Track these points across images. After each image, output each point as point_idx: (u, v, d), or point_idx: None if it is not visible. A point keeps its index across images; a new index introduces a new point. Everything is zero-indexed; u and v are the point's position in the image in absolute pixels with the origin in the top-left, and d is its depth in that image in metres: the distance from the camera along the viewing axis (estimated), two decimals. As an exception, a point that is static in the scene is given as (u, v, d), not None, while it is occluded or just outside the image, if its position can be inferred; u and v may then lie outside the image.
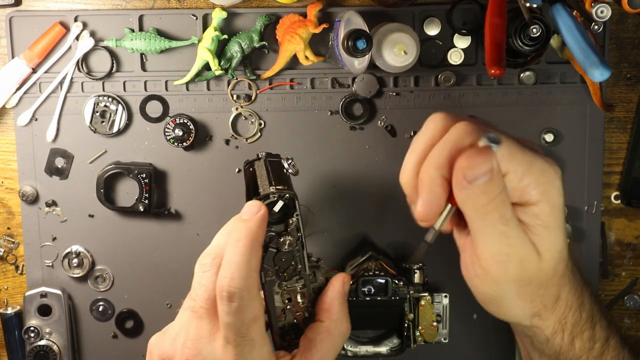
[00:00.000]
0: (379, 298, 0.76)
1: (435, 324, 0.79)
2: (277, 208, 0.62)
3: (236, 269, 0.56)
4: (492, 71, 0.68)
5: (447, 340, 0.80)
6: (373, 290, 0.76)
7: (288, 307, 0.65)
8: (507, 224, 0.56)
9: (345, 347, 0.78)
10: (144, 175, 0.81)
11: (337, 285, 0.65)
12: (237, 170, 0.83)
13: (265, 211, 0.60)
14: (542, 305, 0.61)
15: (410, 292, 0.78)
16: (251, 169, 0.67)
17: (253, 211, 0.60)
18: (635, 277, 0.87)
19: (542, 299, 0.60)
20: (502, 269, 0.57)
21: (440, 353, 0.85)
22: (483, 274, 0.58)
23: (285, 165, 0.67)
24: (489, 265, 0.58)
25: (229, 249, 0.58)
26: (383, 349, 0.80)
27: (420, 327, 0.79)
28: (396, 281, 0.77)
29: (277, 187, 0.63)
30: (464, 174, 0.55)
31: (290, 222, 0.63)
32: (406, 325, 0.78)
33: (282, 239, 0.63)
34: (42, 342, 0.82)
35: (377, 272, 0.77)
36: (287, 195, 0.62)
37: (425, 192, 0.57)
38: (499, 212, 0.56)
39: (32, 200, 0.82)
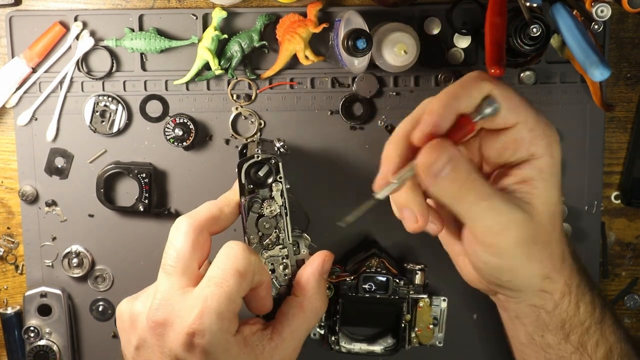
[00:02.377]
0: (378, 295, 0.76)
1: (431, 326, 0.79)
2: (262, 172, 0.63)
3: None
4: (492, 71, 0.68)
5: (441, 344, 0.80)
6: (374, 287, 0.76)
7: (271, 277, 0.65)
8: (487, 198, 0.58)
9: (339, 343, 0.79)
10: (144, 175, 0.81)
11: (316, 262, 0.66)
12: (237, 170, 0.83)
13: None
14: (552, 266, 0.62)
15: (410, 293, 0.78)
16: (244, 150, 0.68)
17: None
18: (635, 277, 0.87)
19: (550, 259, 0.62)
20: (504, 237, 0.59)
21: (433, 356, 0.84)
22: (489, 249, 0.59)
23: (277, 145, 0.68)
24: (490, 239, 0.59)
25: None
26: (377, 348, 0.80)
27: (416, 329, 0.79)
28: (397, 280, 0.77)
29: (261, 154, 0.65)
30: (426, 171, 0.56)
31: (275, 187, 0.64)
32: (403, 325, 0.78)
33: (265, 204, 0.64)
34: (42, 342, 0.82)
35: (378, 270, 0.77)
36: (272, 159, 0.64)
37: (382, 164, 0.61)
38: (476, 192, 0.57)
39: (32, 200, 0.82)
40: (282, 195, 0.64)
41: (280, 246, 0.65)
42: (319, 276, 0.65)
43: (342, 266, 0.80)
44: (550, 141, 0.60)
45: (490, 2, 0.71)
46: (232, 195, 0.68)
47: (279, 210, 0.65)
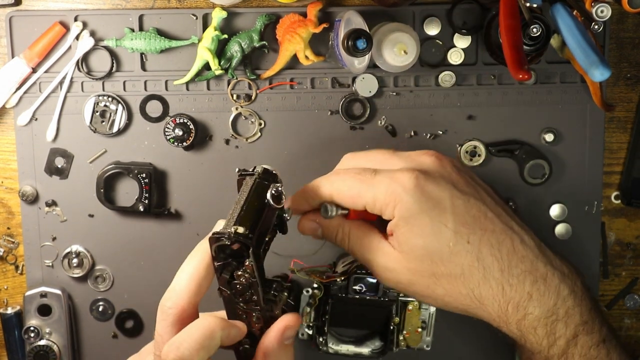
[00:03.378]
0: (368, 297, 0.76)
1: (420, 330, 0.79)
2: (232, 246, 0.60)
3: (187, 346, 0.57)
4: (520, 76, 0.68)
5: (429, 348, 0.80)
6: (364, 288, 0.76)
7: (244, 316, 0.65)
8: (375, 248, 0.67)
9: (327, 344, 0.78)
10: (144, 175, 0.81)
11: (277, 330, 0.62)
12: (237, 170, 0.83)
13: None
14: (454, 289, 0.66)
15: (400, 296, 0.78)
16: (241, 184, 0.65)
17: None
18: (635, 277, 0.87)
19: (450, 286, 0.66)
20: (395, 275, 0.66)
21: None
22: (399, 283, 0.66)
23: (269, 194, 0.63)
24: (389, 278, 0.67)
25: (180, 273, 0.60)
26: (365, 350, 0.80)
27: (405, 332, 0.79)
28: None
29: (238, 229, 0.59)
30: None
31: (247, 262, 0.60)
32: (392, 328, 0.78)
33: (238, 273, 0.61)
34: (42, 342, 0.82)
35: (369, 272, 0.76)
36: (242, 242, 0.59)
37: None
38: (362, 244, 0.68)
39: (32, 200, 0.82)
40: (253, 271, 0.62)
41: (253, 304, 0.64)
42: (279, 344, 0.62)
43: (332, 266, 0.80)
44: (394, 205, 0.64)
45: (502, 5, 0.71)
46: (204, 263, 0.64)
47: (250, 282, 0.63)
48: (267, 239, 0.63)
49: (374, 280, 0.76)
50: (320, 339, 0.78)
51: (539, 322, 0.66)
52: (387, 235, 0.67)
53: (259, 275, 0.60)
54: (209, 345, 0.57)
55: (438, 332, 0.82)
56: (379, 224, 0.67)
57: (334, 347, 0.79)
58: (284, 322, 0.62)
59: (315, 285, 0.77)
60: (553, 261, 0.68)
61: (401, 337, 0.79)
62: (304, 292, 0.76)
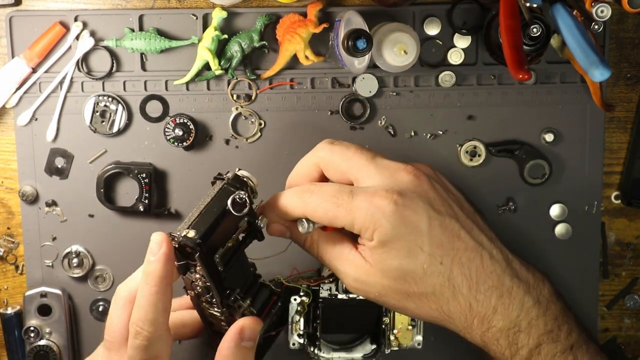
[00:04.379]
0: (357, 297, 0.75)
1: (410, 327, 0.78)
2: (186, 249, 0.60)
3: (144, 311, 0.60)
4: (520, 76, 0.68)
5: (420, 347, 0.79)
6: None
7: (212, 318, 0.66)
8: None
9: (317, 353, 0.78)
10: (144, 175, 0.81)
11: (231, 333, 0.63)
12: (237, 169, 0.83)
13: (167, 249, 0.60)
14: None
15: None
16: (216, 181, 0.65)
17: (154, 250, 0.61)
18: (635, 277, 0.87)
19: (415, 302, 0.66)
20: (365, 286, 0.66)
21: (413, 359, 0.84)
22: (368, 294, 0.67)
23: (229, 201, 0.62)
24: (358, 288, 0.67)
25: (139, 290, 0.61)
26: (356, 355, 0.79)
27: (396, 330, 0.78)
28: None
29: (188, 233, 0.60)
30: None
31: (198, 266, 0.61)
32: (383, 327, 0.77)
33: (196, 276, 0.62)
34: (42, 342, 0.82)
35: None
36: (189, 246, 0.59)
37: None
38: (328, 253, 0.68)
39: (32, 200, 0.82)
40: (201, 278, 0.62)
41: (216, 307, 0.64)
42: (235, 344, 0.63)
43: (317, 271, 0.79)
44: (372, 229, 0.64)
45: (502, 5, 0.71)
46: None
47: (201, 288, 0.63)
48: (229, 244, 0.62)
49: None
50: (312, 348, 0.78)
51: (502, 334, 0.67)
52: (358, 244, 0.67)
53: (212, 280, 0.61)
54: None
55: (429, 330, 0.82)
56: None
57: (325, 355, 0.79)
58: (240, 323, 0.64)
59: (302, 293, 0.76)
60: (520, 273, 0.69)
61: (392, 337, 0.78)
62: (292, 300, 0.75)
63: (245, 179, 0.65)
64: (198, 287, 0.63)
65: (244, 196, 0.62)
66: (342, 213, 0.64)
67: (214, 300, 0.63)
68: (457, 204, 0.68)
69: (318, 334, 0.77)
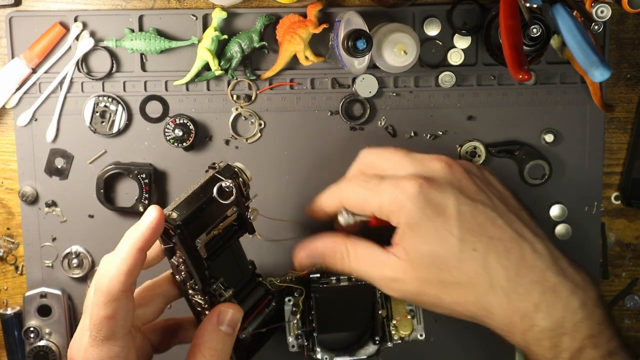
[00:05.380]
0: (348, 283, 0.74)
1: (409, 316, 0.76)
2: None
3: (108, 268, 0.59)
4: (520, 76, 0.68)
5: (423, 337, 0.76)
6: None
7: (198, 306, 0.66)
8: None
9: (320, 358, 0.76)
10: (143, 176, 0.81)
11: (209, 316, 0.63)
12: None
13: (158, 220, 0.59)
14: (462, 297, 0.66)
15: None
16: (210, 169, 0.65)
17: (146, 217, 0.60)
18: (635, 278, 0.87)
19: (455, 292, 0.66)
20: (402, 285, 0.67)
21: (418, 352, 0.83)
22: (407, 292, 0.67)
23: (215, 188, 0.62)
24: (393, 288, 0.68)
25: (115, 250, 0.60)
26: (360, 357, 0.77)
27: (394, 320, 0.76)
28: None
29: (172, 214, 0.60)
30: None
31: (178, 254, 0.61)
32: (381, 315, 0.75)
33: (177, 259, 0.62)
34: (42, 343, 0.82)
35: None
36: (169, 227, 0.60)
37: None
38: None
39: (32, 200, 0.82)
40: (184, 262, 0.62)
41: (199, 295, 0.65)
42: (212, 329, 0.62)
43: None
44: (396, 214, 0.66)
45: (502, 5, 0.71)
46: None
47: (185, 273, 0.64)
48: (215, 232, 0.63)
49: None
50: (310, 345, 0.75)
51: (545, 335, 0.65)
52: (392, 246, 0.67)
53: (193, 264, 0.61)
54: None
55: (432, 321, 0.81)
56: (382, 238, 0.68)
57: (328, 358, 0.77)
58: (220, 307, 0.63)
59: (296, 294, 0.75)
60: (566, 271, 0.66)
61: (392, 329, 0.76)
62: (286, 301, 0.74)
63: (236, 169, 0.65)
64: (182, 273, 0.63)
65: (230, 184, 0.62)
66: (370, 196, 0.66)
67: (197, 286, 0.63)
68: (499, 198, 0.68)
69: (314, 324, 0.75)
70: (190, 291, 0.65)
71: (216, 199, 0.62)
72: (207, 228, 0.62)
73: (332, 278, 0.74)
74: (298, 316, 0.75)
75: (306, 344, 0.76)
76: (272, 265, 0.82)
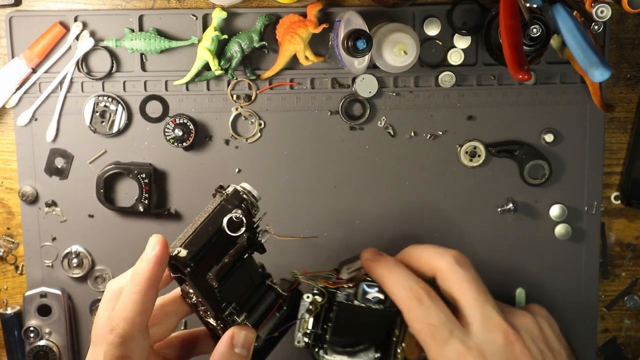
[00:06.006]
0: (375, 306, 0.71)
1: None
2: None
3: (122, 308, 0.59)
4: (520, 76, 0.68)
5: None
6: (372, 297, 0.71)
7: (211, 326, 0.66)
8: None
9: (319, 354, 0.72)
10: (143, 176, 0.81)
11: (222, 341, 0.63)
12: (237, 170, 0.83)
13: (160, 252, 0.59)
14: None
15: None
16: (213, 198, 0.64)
17: (147, 250, 0.60)
18: (635, 278, 0.87)
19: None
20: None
21: None
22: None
23: (225, 221, 0.60)
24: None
25: (125, 287, 0.60)
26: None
27: (404, 344, 0.72)
28: None
29: (180, 253, 0.59)
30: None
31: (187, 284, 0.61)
32: (394, 339, 0.71)
33: (188, 287, 0.62)
34: (42, 342, 0.82)
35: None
36: (178, 266, 0.59)
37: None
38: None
39: (32, 200, 0.82)
40: (194, 293, 0.62)
41: (211, 319, 0.65)
42: (227, 352, 0.62)
43: (336, 272, 0.75)
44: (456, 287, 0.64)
45: (502, 5, 0.71)
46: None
47: (196, 300, 0.63)
48: (226, 260, 0.61)
49: (382, 295, 0.71)
50: (316, 349, 0.72)
51: None
52: None
53: (204, 297, 0.61)
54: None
55: None
56: None
57: (328, 357, 0.75)
58: (232, 329, 0.63)
59: (315, 291, 0.72)
60: None
61: (399, 350, 0.71)
62: (304, 297, 0.72)
63: (244, 194, 0.63)
64: (192, 299, 0.63)
65: (240, 216, 0.61)
66: (432, 348, 0.63)
67: (209, 313, 0.63)
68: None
69: (328, 337, 0.72)
70: (202, 313, 0.65)
71: (226, 231, 0.61)
72: (219, 258, 0.61)
73: (361, 304, 0.70)
74: (312, 315, 0.72)
75: (312, 344, 0.72)
76: (278, 264, 0.80)
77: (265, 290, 0.68)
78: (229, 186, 0.63)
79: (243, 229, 0.61)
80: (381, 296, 0.70)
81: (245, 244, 0.63)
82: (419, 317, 0.64)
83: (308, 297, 0.72)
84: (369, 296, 0.70)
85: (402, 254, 0.68)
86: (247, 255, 0.64)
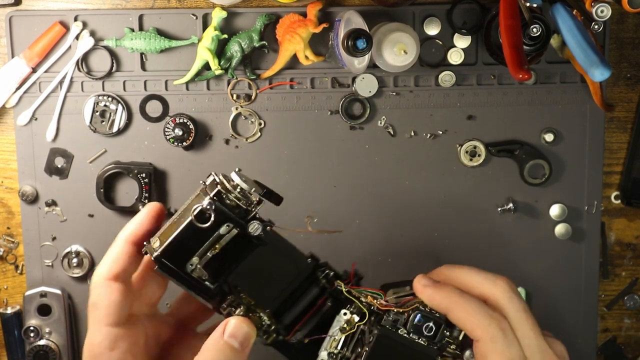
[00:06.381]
0: (419, 340, 0.62)
1: None
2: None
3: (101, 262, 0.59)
4: (520, 76, 0.68)
5: None
6: (421, 328, 0.62)
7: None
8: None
9: None
10: (143, 175, 0.81)
11: (218, 327, 0.59)
12: (237, 169, 0.83)
13: (149, 213, 0.60)
14: None
15: (450, 348, 0.63)
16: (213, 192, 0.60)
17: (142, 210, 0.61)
18: (635, 277, 0.87)
19: None
20: None
21: None
22: None
23: (194, 212, 0.57)
24: None
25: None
26: None
27: None
28: (447, 330, 0.62)
29: (154, 244, 0.58)
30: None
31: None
32: None
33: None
34: (42, 342, 0.82)
35: (433, 311, 0.62)
36: (152, 257, 0.58)
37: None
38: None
39: (31, 199, 0.82)
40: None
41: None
42: (216, 336, 0.58)
43: (384, 292, 0.66)
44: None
45: (502, 5, 0.71)
46: None
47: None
48: (211, 253, 0.59)
49: (434, 322, 0.62)
50: None
51: None
52: None
53: (187, 287, 0.59)
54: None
55: None
56: None
57: None
58: (229, 318, 0.59)
59: (353, 309, 0.63)
60: None
61: None
62: (342, 312, 0.63)
63: (219, 187, 0.59)
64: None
65: (208, 207, 0.58)
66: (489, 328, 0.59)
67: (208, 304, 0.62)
68: None
69: None
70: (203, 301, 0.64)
71: (193, 221, 0.58)
72: (197, 251, 0.59)
73: (405, 333, 0.62)
74: (343, 336, 0.63)
75: None
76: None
77: (310, 284, 0.63)
78: (209, 175, 0.60)
79: (210, 222, 0.58)
80: (433, 329, 0.62)
81: (235, 236, 0.59)
82: (501, 349, 0.59)
83: (345, 313, 0.63)
84: (424, 328, 0.62)
85: (440, 275, 0.63)
86: (248, 248, 0.61)
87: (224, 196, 0.59)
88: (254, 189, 0.61)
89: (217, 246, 0.59)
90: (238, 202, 0.60)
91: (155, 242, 0.58)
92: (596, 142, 0.84)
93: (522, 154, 0.83)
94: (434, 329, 0.62)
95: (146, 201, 0.81)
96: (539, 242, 0.85)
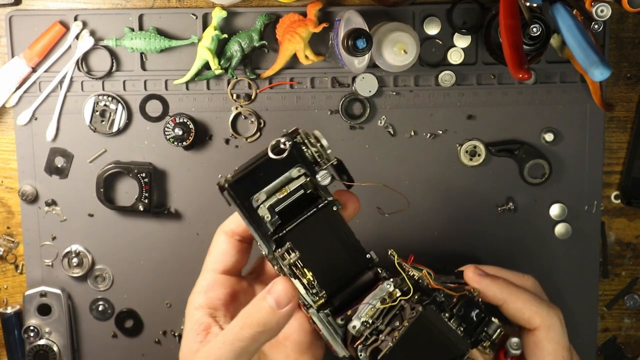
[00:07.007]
0: (456, 329, 0.57)
1: None
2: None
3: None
4: (520, 76, 0.68)
5: None
6: (467, 317, 0.60)
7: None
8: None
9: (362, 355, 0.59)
10: (143, 175, 0.81)
11: (260, 293, 0.58)
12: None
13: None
14: None
15: (484, 345, 0.60)
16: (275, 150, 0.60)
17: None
18: (635, 277, 0.87)
19: None
20: None
21: None
22: None
23: (270, 146, 0.58)
24: None
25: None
26: None
27: None
28: (492, 322, 0.60)
29: (228, 176, 0.58)
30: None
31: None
32: None
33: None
34: (42, 342, 0.82)
35: (481, 301, 0.61)
36: (221, 185, 0.59)
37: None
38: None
39: (31, 199, 0.82)
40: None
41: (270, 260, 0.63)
42: (260, 296, 0.56)
43: (435, 272, 0.62)
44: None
45: (502, 4, 0.71)
46: None
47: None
48: (280, 195, 0.59)
49: (476, 314, 0.60)
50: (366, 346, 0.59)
51: None
52: None
53: (247, 220, 0.59)
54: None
55: None
56: None
57: None
58: (277, 279, 0.58)
59: (399, 281, 0.59)
60: None
61: None
62: (386, 283, 0.59)
63: (301, 132, 0.60)
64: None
65: (285, 141, 0.58)
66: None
67: (260, 247, 0.61)
68: None
69: (392, 342, 0.56)
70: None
71: (269, 155, 0.58)
72: (264, 186, 0.59)
73: (446, 319, 0.57)
74: (382, 307, 0.59)
75: (366, 336, 0.59)
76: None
77: (363, 271, 0.61)
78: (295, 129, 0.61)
79: (285, 154, 0.58)
80: (475, 319, 0.60)
81: (302, 182, 0.60)
82: (557, 337, 0.61)
83: (389, 284, 0.59)
84: (471, 314, 0.59)
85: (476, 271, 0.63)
86: (319, 204, 0.61)
87: (303, 145, 0.60)
88: (330, 151, 0.62)
89: (285, 189, 0.60)
90: (315, 156, 0.61)
91: (230, 174, 0.59)
92: (596, 142, 0.84)
93: (522, 154, 0.83)
94: (476, 319, 0.59)
95: (146, 201, 0.81)
96: (539, 242, 0.85)
